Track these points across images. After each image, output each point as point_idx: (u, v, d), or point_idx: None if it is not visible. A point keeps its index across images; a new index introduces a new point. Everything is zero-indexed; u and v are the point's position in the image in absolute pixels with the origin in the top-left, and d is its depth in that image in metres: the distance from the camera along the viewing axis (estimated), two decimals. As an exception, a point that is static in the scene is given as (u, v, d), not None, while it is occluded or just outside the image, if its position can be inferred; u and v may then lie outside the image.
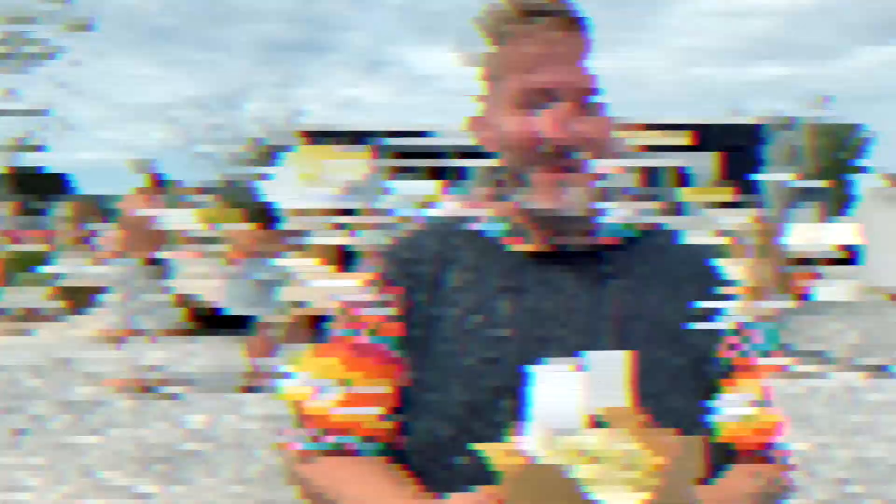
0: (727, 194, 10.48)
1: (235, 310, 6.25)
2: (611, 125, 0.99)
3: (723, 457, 0.97)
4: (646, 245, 1.03)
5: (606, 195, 1.01)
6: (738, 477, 0.97)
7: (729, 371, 1.00)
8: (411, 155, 12.37)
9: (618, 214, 1.03)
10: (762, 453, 1.01)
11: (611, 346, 0.90)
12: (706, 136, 11.01)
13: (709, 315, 1.00)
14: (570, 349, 0.88)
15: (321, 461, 0.98)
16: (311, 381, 0.99)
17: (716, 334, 1.00)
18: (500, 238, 1.01)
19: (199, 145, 27.44)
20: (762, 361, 1.04)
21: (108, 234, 6.16)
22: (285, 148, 13.24)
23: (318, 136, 12.87)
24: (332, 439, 0.98)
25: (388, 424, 0.98)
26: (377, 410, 0.97)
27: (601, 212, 1.01)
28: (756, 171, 10.63)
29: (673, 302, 1.00)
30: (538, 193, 0.95)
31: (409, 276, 0.99)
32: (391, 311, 0.98)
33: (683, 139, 11.04)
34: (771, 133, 10.63)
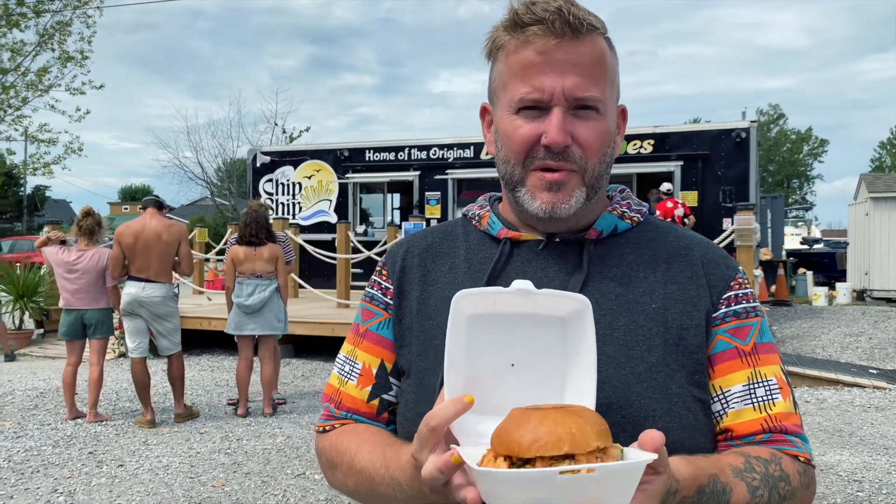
0: (691, 201, 10.76)
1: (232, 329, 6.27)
2: (606, 129, 0.99)
3: (724, 442, 0.97)
4: (634, 236, 1.06)
5: (598, 194, 1.03)
6: (727, 454, 0.93)
7: (728, 357, 0.99)
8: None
9: (608, 209, 1.07)
10: (763, 441, 0.97)
11: None
12: (668, 144, 11.25)
13: (697, 301, 1.00)
14: None
15: (331, 432, 1.07)
16: (334, 365, 1.11)
17: (705, 320, 0.99)
18: (496, 232, 1.07)
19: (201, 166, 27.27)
20: (763, 350, 1.00)
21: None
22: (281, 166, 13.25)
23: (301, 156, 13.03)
24: (340, 413, 1.08)
25: (384, 402, 1.07)
26: (376, 388, 1.07)
27: (592, 208, 1.03)
28: (721, 179, 10.89)
29: (657, 288, 1.00)
30: (534, 194, 0.99)
31: (402, 270, 1.10)
32: (387, 299, 1.10)
33: (646, 147, 11.33)
34: (733, 140, 10.94)
